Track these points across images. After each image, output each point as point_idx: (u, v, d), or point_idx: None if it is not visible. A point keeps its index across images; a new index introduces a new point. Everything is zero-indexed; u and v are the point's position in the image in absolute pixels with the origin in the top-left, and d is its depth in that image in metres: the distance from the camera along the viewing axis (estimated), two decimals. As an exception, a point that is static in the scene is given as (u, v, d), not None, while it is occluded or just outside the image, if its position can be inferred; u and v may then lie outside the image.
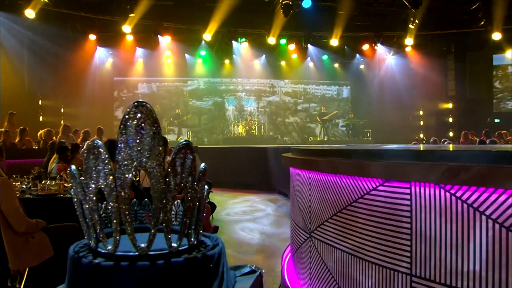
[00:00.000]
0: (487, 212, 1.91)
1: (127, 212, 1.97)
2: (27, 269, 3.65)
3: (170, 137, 19.25)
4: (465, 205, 1.99)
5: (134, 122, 1.92)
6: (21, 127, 10.93)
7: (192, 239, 2.11)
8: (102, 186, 1.99)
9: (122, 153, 1.93)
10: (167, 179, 1.94)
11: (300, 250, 3.66)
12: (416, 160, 2.25)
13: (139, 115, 1.92)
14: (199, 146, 14.75)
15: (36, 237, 3.58)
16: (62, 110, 17.25)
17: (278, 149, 11.97)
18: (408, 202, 2.26)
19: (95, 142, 2.01)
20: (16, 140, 10.54)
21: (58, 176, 5.37)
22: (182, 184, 1.99)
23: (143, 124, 1.92)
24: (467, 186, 1.96)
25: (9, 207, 3.44)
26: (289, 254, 4.47)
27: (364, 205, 2.57)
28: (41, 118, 16.25)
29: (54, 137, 11.40)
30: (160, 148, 1.92)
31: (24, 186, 5.06)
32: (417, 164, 2.18)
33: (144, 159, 1.92)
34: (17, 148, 10.09)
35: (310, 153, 3.37)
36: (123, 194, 1.95)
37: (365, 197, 2.56)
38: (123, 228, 1.99)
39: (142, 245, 1.99)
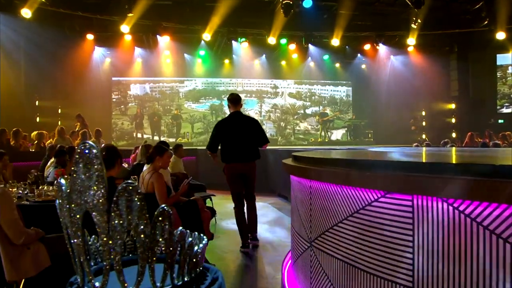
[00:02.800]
0: (491, 227, 1.90)
1: (81, 252, 1.96)
2: (24, 279, 3.64)
3: (169, 139, 19.18)
4: (468, 219, 1.98)
5: (81, 164, 1.91)
6: (14, 129, 10.90)
7: (158, 284, 1.97)
8: (66, 223, 2.00)
9: (76, 194, 1.92)
10: (112, 220, 1.89)
11: (300, 258, 3.65)
12: (418, 172, 2.24)
13: (85, 156, 1.90)
14: (198, 148, 14.73)
15: (32, 247, 3.57)
16: (59, 111, 17.24)
17: (278, 151, 11.99)
18: (410, 215, 2.26)
19: (58, 181, 2.02)
20: (12, 143, 10.52)
21: (55, 182, 5.37)
22: (131, 227, 1.90)
23: (89, 166, 1.91)
24: (470, 200, 1.96)
25: (7, 219, 3.42)
26: (290, 261, 4.46)
27: (366, 216, 2.57)
28: (38, 119, 16.26)
29: (51, 139, 11.40)
30: (103, 190, 1.89)
31: (21, 192, 5.05)
32: (418, 176, 2.18)
33: (90, 199, 1.90)
34: (13, 151, 10.07)
35: (311, 161, 3.37)
36: (74, 233, 1.96)
37: (367, 208, 2.55)
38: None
39: (97, 284, 1.94)
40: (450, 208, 2.05)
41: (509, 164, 1.94)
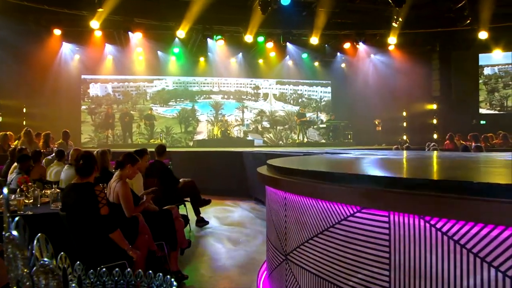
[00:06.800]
0: (468, 246, 1.92)
1: None
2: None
3: (143, 140, 18.81)
4: (445, 237, 2.00)
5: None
6: None
7: None
8: None
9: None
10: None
11: (276, 271, 3.64)
12: (395, 188, 2.24)
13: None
14: (172, 150, 14.55)
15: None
16: (24, 110, 16.92)
17: (254, 153, 11.94)
18: (386, 231, 2.26)
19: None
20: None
21: (18, 190, 5.24)
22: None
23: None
24: (447, 218, 1.97)
25: None
26: (265, 272, 4.45)
27: (342, 231, 2.57)
28: (0, 119, 15.92)
29: (17, 141, 11.12)
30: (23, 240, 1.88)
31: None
32: (394, 192, 2.18)
33: None
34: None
35: (285, 172, 3.35)
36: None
37: (343, 223, 2.56)
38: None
39: None
40: (427, 225, 2.06)
41: (487, 182, 1.95)
